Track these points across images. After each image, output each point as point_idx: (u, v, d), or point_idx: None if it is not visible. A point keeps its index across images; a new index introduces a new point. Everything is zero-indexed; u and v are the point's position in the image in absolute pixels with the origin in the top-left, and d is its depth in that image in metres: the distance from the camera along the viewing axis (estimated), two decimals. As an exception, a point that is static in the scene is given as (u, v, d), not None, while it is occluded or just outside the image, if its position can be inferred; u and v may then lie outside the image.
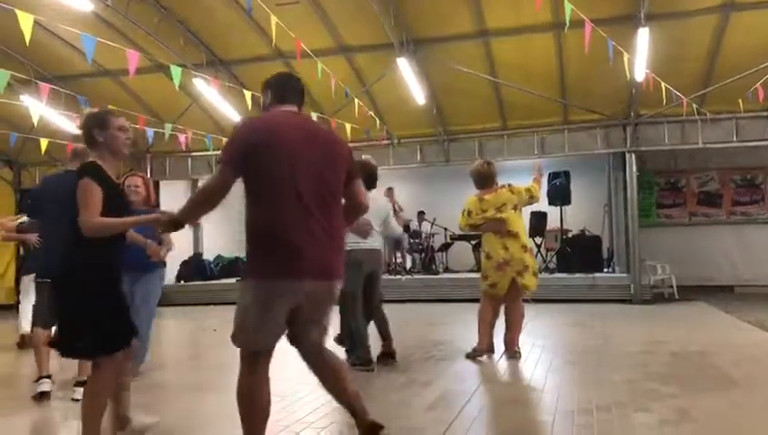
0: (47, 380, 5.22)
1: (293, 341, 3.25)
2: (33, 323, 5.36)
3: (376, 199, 5.96)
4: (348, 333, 6.16)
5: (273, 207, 2.97)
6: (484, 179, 6.58)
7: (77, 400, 4.92)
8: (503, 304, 6.48)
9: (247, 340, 3.05)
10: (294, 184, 2.97)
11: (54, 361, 5.28)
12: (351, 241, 5.66)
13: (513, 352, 6.38)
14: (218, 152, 12.83)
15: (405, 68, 10.71)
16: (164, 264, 5.90)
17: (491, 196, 6.44)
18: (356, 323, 5.94)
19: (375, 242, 6.01)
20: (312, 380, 3.47)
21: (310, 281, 3.02)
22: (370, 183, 5.93)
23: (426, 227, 14.59)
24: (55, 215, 5.06)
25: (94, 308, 3.34)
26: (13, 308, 7.89)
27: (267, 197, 2.98)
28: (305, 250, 2.98)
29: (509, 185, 6.60)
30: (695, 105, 10.55)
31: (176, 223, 3.17)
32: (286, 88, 3.31)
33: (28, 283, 6.86)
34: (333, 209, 3.14)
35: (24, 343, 7.52)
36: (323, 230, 3.05)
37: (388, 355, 6.22)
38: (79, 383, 5.02)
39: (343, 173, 3.24)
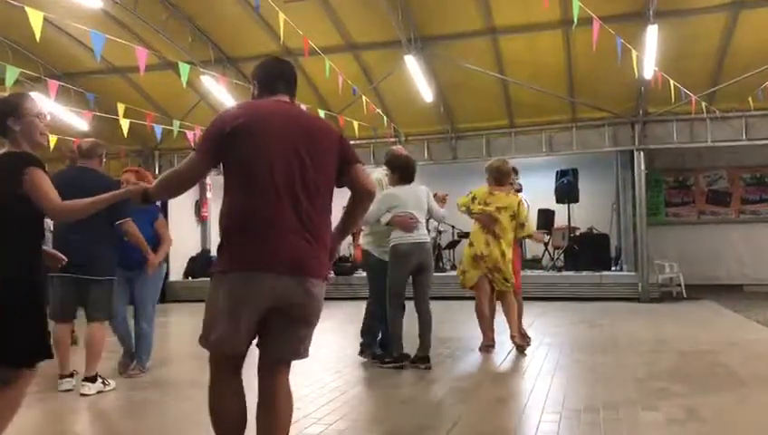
0: (70, 378, 5.24)
1: (259, 347, 2.86)
2: (57, 316, 5.26)
3: (416, 190, 5.98)
4: (368, 326, 6.15)
5: (245, 195, 2.73)
6: (502, 176, 6.76)
7: (86, 395, 4.97)
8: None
9: (216, 341, 2.73)
10: (270, 173, 2.71)
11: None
12: (396, 235, 5.77)
13: (517, 346, 6.49)
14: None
15: (412, 65, 10.70)
16: (164, 261, 5.96)
17: (501, 194, 6.66)
18: (393, 317, 5.81)
19: (422, 234, 5.88)
20: (315, 377, 3.51)
21: (279, 276, 2.68)
22: (407, 176, 5.95)
23: (433, 224, 14.57)
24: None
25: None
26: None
27: (240, 185, 2.74)
28: (277, 241, 2.69)
29: (524, 199, 7.03)
30: (704, 103, 10.50)
31: (145, 196, 2.94)
32: (273, 77, 3.07)
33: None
34: (316, 201, 2.80)
35: None
36: (300, 222, 2.73)
37: (421, 359, 5.80)
38: (87, 379, 5.05)
39: (333, 161, 2.90)
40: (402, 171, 5.96)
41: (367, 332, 6.24)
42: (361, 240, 6.35)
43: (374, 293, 6.15)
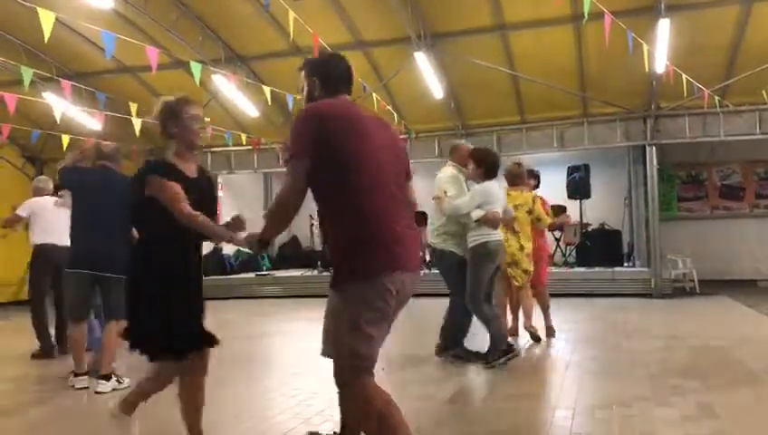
0: (86, 377, 5.30)
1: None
2: (75, 315, 5.34)
3: (499, 188, 5.91)
4: (458, 326, 5.94)
5: (370, 196, 2.68)
6: (513, 178, 7.12)
7: (100, 392, 5.00)
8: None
9: (373, 354, 2.67)
10: (383, 172, 2.73)
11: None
12: (484, 232, 5.63)
13: (531, 334, 6.89)
14: (237, 148, 12.87)
15: (422, 62, 10.68)
16: None
17: (516, 193, 6.92)
18: (486, 314, 5.69)
19: (500, 233, 5.85)
20: (326, 374, 3.48)
21: (408, 273, 2.74)
22: (494, 173, 5.84)
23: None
24: (95, 208, 5.20)
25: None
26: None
27: (361, 186, 2.67)
28: (404, 240, 2.72)
29: (539, 197, 7.28)
30: (716, 97, 10.42)
31: (262, 243, 2.87)
32: (337, 76, 2.97)
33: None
34: (407, 201, 2.93)
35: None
36: (410, 220, 2.85)
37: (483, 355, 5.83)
38: (102, 377, 5.09)
39: (406, 167, 3.00)
40: (490, 167, 5.81)
41: (454, 332, 5.98)
42: (435, 239, 6.01)
43: (456, 291, 5.88)
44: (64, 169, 5.43)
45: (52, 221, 6.81)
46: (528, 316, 6.97)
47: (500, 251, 5.79)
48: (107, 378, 5.11)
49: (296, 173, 2.65)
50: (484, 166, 5.78)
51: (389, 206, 2.72)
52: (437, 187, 5.89)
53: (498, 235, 5.75)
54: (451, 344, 5.97)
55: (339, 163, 2.65)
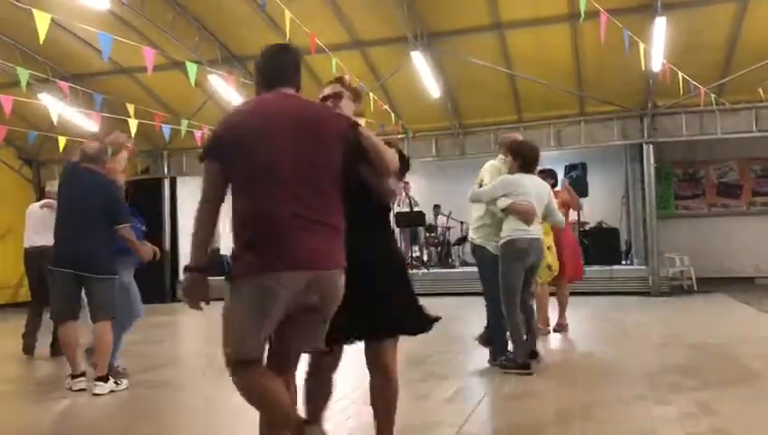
0: (83, 377, 5.27)
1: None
2: (59, 317, 5.34)
3: (537, 182, 5.59)
4: (496, 329, 5.64)
5: (256, 195, 2.66)
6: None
7: (98, 394, 4.99)
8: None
9: (240, 349, 2.68)
10: (272, 173, 2.65)
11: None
12: (513, 227, 5.35)
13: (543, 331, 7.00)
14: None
15: (419, 61, 10.68)
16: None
17: None
18: (515, 320, 5.36)
19: (537, 230, 5.47)
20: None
21: (306, 272, 2.63)
22: (529, 166, 5.53)
23: (441, 220, 14.57)
24: (74, 207, 5.22)
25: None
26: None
27: (249, 185, 2.67)
28: (296, 239, 2.63)
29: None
30: (713, 95, 10.44)
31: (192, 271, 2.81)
32: (275, 69, 2.95)
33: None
34: (331, 195, 2.75)
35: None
36: (319, 216, 2.68)
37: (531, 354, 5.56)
38: (99, 378, 5.07)
39: (339, 151, 2.78)
40: (525, 159, 5.53)
41: (499, 335, 5.66)
42: (474, 235, 5.79)
43: (493, 292, 5.57)
44: (67, 162, 5.57)
45: (41, 224, 6.84)
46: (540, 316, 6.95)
47: (532, 249, 5.40)
48: (104, 380, 5.09)
49: (205, 174, 2.72)
50: (520, 158, 5.53)
51: (275, 206, 2.64)
52: (479, 178, 5.74)
53: (532, 231, 5.37)
54: (501, 350, 5.60)
55: (230, 165, 2.69)
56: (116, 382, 5.17)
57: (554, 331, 7.38)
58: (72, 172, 5.43)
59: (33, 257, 6.98)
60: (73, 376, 5.25)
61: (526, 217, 5.31)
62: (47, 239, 6.29)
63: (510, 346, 5.46)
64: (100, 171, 5.37)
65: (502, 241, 5.41)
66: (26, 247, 7.17)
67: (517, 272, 5.34)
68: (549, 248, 6.74)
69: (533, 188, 5.46)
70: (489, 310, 5.67)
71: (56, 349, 6.87)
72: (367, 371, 3.15)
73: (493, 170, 5.76)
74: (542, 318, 7.09)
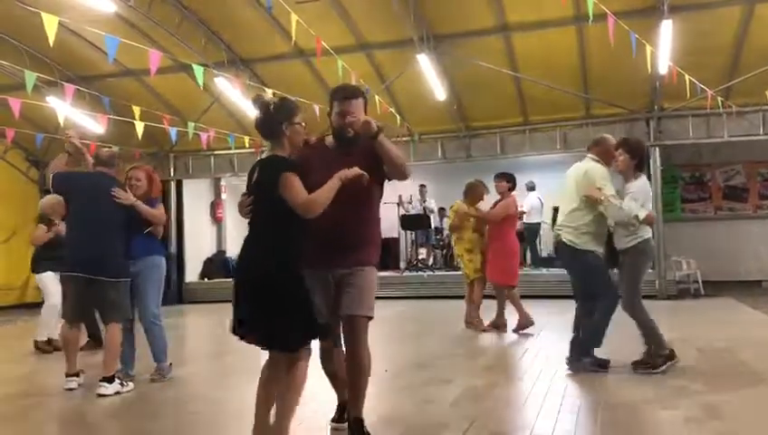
0: (75, 378, 5.31)
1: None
2: (71, 319, 5.38)
3: (645, 184, 5.49)
4: (588, 330, 5.48)
5: None
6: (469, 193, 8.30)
7: (103, 395, 5.00)
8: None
9: None
10: None
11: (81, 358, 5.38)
12: (642, 229, 5.30)
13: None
14: (240, 151, 12.89)
15: (425, 64, 10.69)
16: (163, 256, 5.79)
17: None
18: (647, 318, 5.34)
19: (648, 231, 5.41)
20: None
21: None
22: (642, 166, 5.48)
23: (447, 223, 14.56)
24: (87, 211, 5.27)
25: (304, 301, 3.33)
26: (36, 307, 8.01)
27: None
28: None
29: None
30: (720, 98, 10.41)
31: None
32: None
33: (53, 278, 6.99)
34: None
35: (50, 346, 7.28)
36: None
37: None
38: (105, 379, 5.09)
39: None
40: (640, 157, 5.44)
41: (591, 339, 5.52)
42: (574, 238, 5.49)
43: (598, 293, 5.46)
44: (57, 175, 5.45)
45: None
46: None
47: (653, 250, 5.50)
48: (109, 380, 5.11)
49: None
50: (638, 157, 5.40)
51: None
52: (590, 182, 5.42)
53: (647, 232, 5.37)
54: (581, 354, 5.45)
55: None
56: (122, 383, 5.18)
57: (485, 330, 7.81)
58: (78, 178, 5.47)
59: None
60: (67, 374, 5.31)
61: (653, 223, 5.41)
62: None
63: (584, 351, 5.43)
64: (112, 175, 5.45)
65: (636, 241, 5.31)
66: None
67: (647, 270, 5.46)
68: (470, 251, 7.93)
69: (645, 187, 5.47)
70: (581, 311, 5.58)
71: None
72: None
73: (606, 175, 5.50)
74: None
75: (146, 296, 5.51)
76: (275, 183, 3.25)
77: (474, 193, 8.24)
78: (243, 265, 3.41)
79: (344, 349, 3.63)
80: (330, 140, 3.74)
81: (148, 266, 5.52)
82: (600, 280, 5.50)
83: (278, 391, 3.36)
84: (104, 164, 5.48)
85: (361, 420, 3.62)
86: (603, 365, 5.38)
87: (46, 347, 7.32)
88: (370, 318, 3.60)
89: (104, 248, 5.16)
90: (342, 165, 3.39)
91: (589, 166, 5.58)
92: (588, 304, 5.48)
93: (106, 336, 5.24)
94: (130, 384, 5.26)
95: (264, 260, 3.28)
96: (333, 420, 3.95)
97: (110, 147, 5.88)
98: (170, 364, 5.70)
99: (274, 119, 3.42)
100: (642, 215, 5.20)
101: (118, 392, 5.10)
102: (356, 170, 3.31)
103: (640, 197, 5.29)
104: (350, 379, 3.64)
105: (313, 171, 3.39)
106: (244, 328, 3.36)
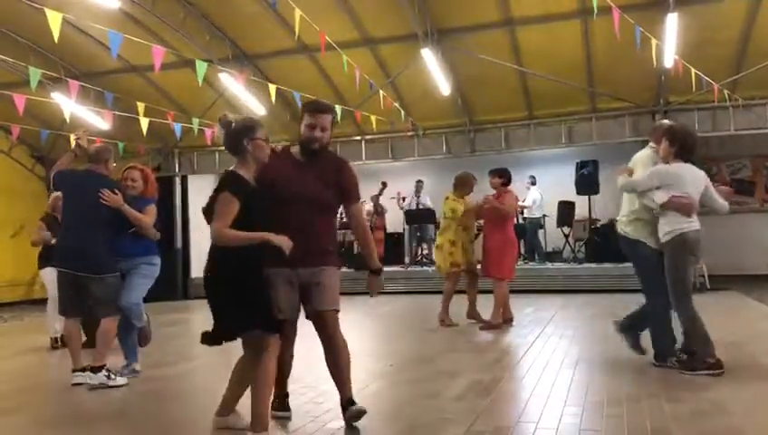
0: (81, 373, 5.31)
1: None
2: (65, 314, 5.45)
3: (694, 170, 5.21)
4: (658, 327, 5.28)
5: None
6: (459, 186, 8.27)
7: (85, 383, 5.08)
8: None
9: None
10: None
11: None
12: (680, 221, 5.02)
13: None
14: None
15: (429, 59, 10.66)
16: (153, 250, 5.70)
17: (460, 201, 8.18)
18: (691, 317, 5.05)
19: (697, 222, 5.12)
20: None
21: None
22: (685, 153, 5.18)
23: (442, 215, 14.54)
24: (74, 209, 5.33)
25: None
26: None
27: None
28: None
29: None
30: (726, 91, 10.36)
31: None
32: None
33: (51, 274, 7.02)
34: None
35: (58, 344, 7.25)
36: None
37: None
38: (92, 369, 5.17)
39: None
40: (681, 145, 5.17)
41: (662, 335, 5.30)
42: (626, 228, 5.37)
43: (653, 289, 5.26)
44: (56, 173, 5.50)
45: None
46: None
47: (698, 242, 5.06)
48: (96, 371, 5.14)
49: None
50: (678, 144, 5.16)
51: None
52: (630, 166, 5.39)
53: (694, 223, 5.05)
54: (666, 346, 5.25)
55: None
56: (108, 377, 5.16)
57: (481, 328, 7.69)
58: (72, 174, 5.49)
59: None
60: (73, 370, 5.34)
61: (685, 210, 5.01)
62: None
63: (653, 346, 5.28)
64: (102, 171, 5.43)
65: (671, 235, 5.05)
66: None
67: (690, 265, 5.09)
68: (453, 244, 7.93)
69: (689, 177, 5.14)
70: (649, 307, 5.36)
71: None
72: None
73: (646, 160, 5.35)
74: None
75: (128, 285, 5.45)
76: (214, 197, 3.53)
77: (466, 185, 8.23)
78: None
79: (321, 341, 3.95)
80: (296, 149, 4.00)
81: (138, 264, 5.50)
82: (646, 277, 5.32)
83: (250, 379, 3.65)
84: (91, 160, 5.46)
85: (353, 400, 3.92)
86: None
87: (55, 344, 7.34)
88: (338, 311, 3.97)
89: (87, 245, 5.18)
90: (308, 174, 3.83)
91: (640, 153, 5.50)
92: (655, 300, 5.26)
93: (99, 329, 5.26)
94: (121, 380, 5.24)
95: (225, 260, 3.53)
96: (273, 409, 3.99)
97: (94, 140, 5.80)
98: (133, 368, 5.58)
99: (237, 136, 3.65)
100: (658, 198, 5.02)
101: (102, 384, 5.10)
102: (285, 242, 3.50)
103: (656, 178, 5.07)
104: (332, 367, 3.95)
105: (280, 178, 3.79)
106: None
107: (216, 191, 3.55)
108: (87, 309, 5.33)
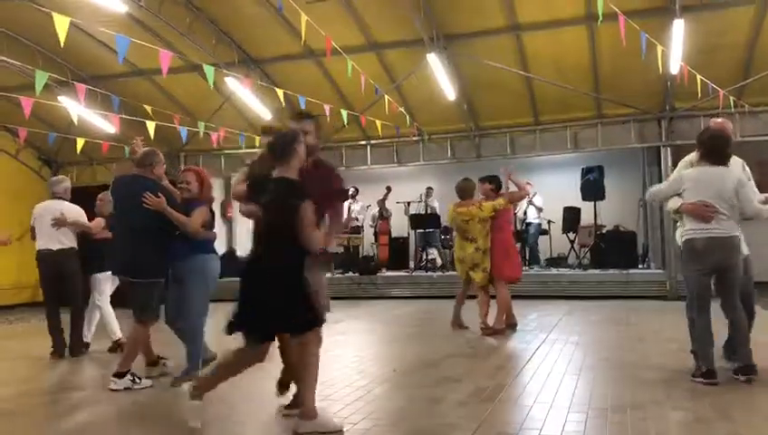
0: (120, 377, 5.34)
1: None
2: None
3: (722, 174, 5.00)
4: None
5: None
6: (462, 193, 8.06)
7: (112, 389, 5.04)
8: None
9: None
10: None
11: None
12: (691, 227, 4.99)
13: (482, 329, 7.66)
14: (250, 150, 12.91)
15: (435, 64, 10.67)
16: (206, 250, 5.68)
17: (463, 209, 7.89)
18: (694, 326, 5.06)
19: (723, 227, 4.94)
20: (339, 376, 3.54)
21: None
22: (712, 156, 5.02)
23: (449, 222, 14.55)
24: (120, 215, 5.55)
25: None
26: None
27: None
28: None
29: (479, 203, 7.87)
30: (732, 98, 10.33)
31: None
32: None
33: (104, 281, 7.20)
34: None
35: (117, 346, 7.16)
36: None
37: (740, 369, 4.94)
38: (116, 374, 5.25)
39: None
40: (706, 148, 5.03)
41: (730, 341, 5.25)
42: (678, 233, 5.37)
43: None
44: (112, 182, 5.73)
45: (49, 226, 6.91)
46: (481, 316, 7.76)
47: (711, 249, 4.93)
48: (120, 376, 5.21)
49: None
50: (702, 148, 5.04)
51: None
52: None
53: (713, 229, 4.91)
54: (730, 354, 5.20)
55: None
56: (133, 380, 5.26)
57: (487, 334, 7.60)
58: (120, 180, 5.64)
59: (42, 261, 7.12)
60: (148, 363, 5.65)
61: (697, 216, 4.91)
62: (55, 242, 6.88)
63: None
64: (148, 175, 5.48)
65: (681, 240, 5.11)
66: (37, 250, 7.17)
67: (695, 273, 4.98)
68: (486, 255, 7.73)
69: (710, 182, 4.95)
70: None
71: (74, 351, 7.02)
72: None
73: (682, 165, 5.30)
74: (481, 318, 7.75)
75: (187, 302, 5.44)
76: (293, 209, 3.81)
77: (470, 191, 8.11)
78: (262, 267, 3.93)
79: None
80: None
81: (188, 269, 5.45)
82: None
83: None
84: (137, 164, 5.56)
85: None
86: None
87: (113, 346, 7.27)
88: None
89: (131, 249, 5.32)
90: (308, 181, 4.04)
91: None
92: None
93: (128, 334, 5.42)
94: (145, 382, 5.33)
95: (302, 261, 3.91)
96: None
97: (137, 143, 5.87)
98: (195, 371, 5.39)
99: (290, 143, 3.99)
100: (671, 205, 5.05)
101: (128, 389, 5.17)
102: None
103: (674, 183, 5.08)
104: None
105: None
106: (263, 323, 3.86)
107: (290, 200, 3.81)
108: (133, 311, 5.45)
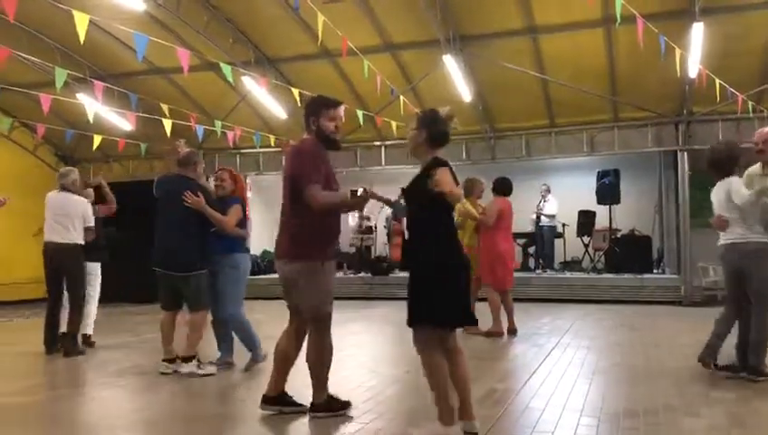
0: (170, 363, 5.69)
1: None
2: (162, 308, 5.84)
3: (723, 185, 5.33)
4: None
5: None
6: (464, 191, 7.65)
7: (178, 372, 5.50)
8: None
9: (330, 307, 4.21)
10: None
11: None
12: (725, 236, 5.30)
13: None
14: (266, 149, 12.93)
15: (451, 65, 10.66)
16: (240, 249, 5.97)
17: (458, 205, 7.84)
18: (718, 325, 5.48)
19: (733, 234, 5.24)
20: (351, 376, 3.50)
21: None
22: (715, 169, 5.40)
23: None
24: (163, 213, 5.75)
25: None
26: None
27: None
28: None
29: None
30: (750, 102, 10.23)
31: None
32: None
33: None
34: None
35: None
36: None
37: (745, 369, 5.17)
38: (183, 359, 5.61)
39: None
40: (708, 163, 5.43)
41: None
42: None
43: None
44: (156, 180, 5.94)
45: (55, 218, 7.02)
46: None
47: (725, 256, 5.39)
48: (187, 360, 5.54)
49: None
50: (707, 165, 5.47)
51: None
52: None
53: (724, 237, 5.35)
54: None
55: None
56: (199, 366, 5.54)
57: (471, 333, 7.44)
58: (163, 179, 5.90)
59: (47, 253, 7.22)
60: (164, 359, 5.72)
61: (717, 228, 5.38)
62: (61, 236, 6.96)
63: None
64: (191, 175, 5.77)
65: None
66: (44, 242, 7.23)
67: (726, 276, 5.56)
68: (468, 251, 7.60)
69: (716, 196, 5.43)
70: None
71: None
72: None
73: (746, 180, 5.53)
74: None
75: (221, 295, 5.79)
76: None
77: (475, 189, 8.20)
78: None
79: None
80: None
81: (224, 265, 5.81)
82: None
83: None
84: (180, 164, 5.82)
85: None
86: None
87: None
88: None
89: (175, 245, 5.59)
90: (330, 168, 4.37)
91: None
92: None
93: (189, 321, 5.63)
94: (210, 369, 5.59)
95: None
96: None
97: (181, 144, 6.21)
98: (264, 354, 5.77)
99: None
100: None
101: (192, 373, 5.47)
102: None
103: (713, 200, 5.43)
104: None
105: (330, 174, 4.41)
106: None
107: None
108: (182, 304, 5.75)
